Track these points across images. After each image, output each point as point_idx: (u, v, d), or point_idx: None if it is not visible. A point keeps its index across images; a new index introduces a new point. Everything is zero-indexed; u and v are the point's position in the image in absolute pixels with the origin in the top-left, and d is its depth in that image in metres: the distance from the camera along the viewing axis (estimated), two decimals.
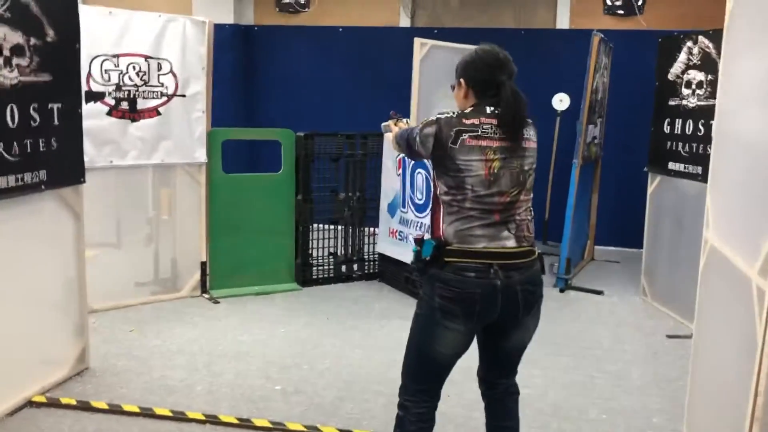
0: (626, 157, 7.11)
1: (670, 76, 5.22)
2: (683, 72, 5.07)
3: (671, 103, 5.21)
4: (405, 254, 5.54)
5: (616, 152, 7.24)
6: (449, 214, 2.38)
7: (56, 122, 3.44)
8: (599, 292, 5.77)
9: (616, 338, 4.69)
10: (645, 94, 7.03)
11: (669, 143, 5.23)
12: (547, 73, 7.54)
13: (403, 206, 5.54)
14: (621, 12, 7.49)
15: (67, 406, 3.38)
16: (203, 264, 5.36)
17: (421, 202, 5.30)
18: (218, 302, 5.20)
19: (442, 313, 2.38)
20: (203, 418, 3.29)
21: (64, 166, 3.54)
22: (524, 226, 2.40)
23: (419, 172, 5.30)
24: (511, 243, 2.36)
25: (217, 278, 5.41)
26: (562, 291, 5.78)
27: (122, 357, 4.06)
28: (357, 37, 8.10)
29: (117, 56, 4.71)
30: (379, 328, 4.74)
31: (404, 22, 8.15)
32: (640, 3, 7.37)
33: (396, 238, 5.66)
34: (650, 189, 5.59)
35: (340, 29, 8.16)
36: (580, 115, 5.79)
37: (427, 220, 5.23)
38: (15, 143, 3.18)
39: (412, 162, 5.39)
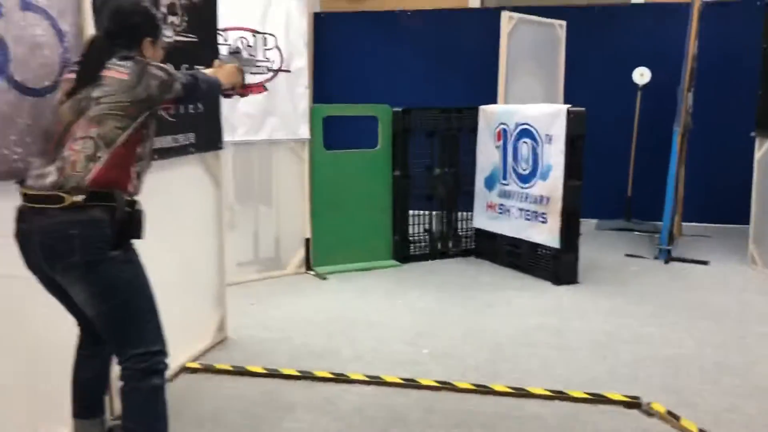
0: (708, 131, 6.94)
1: None
2: None
3: None
4: (506, 227, 5.47)
5: (699, 124, 7.09)
6: None
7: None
8: (705, 263, 5.63)
9: (745, 303, 4.56)
10: (727, 65, 6.95)
11: None
12: (624, 48, 7.42)
13: (504, 178, 5.45)
14: None
15: (224, 371, 3.33)
16: (307, 241, 5.30)
17: (526, 172, 5.20)
18: (326, 278, 5.14)
19: None
20: (367, 379, 3.22)
21: (208, 131, 3.50)
22: (72, 158, 2.08)
23: (524, 142, 5.21)
24: (48, 180, 2.08)
25: (319, 255, 5.36)
26: (666, 262, 5.64)
27: (255, 327, 4.02)
28: (426, 19, 8.04)
29: (226, 30, 4.67)
30: (496, 299, 4.65)
31: (473, 2, 8.07)
32: None
33: (496, 212, 5.56)
34: (758, 154, 5.44)
35: (409, 13, 8.11)
36: (680, 82, 5.66)
37: (532, 191, 5.14)
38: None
39: (516, 132, 5.30)
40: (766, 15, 5.32)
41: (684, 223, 7.07)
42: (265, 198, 5.29)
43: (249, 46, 4.81)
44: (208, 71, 2.64)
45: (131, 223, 2.15)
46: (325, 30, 8.14)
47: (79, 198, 2.05)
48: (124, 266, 2.14)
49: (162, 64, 2.27)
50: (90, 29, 2.61)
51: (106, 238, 2.08)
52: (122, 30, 2.24)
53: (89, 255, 2.06)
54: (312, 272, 5.26)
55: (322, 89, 7.98)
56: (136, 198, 2.21)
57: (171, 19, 3.13)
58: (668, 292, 4.80)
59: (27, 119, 2.38)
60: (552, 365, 3.47)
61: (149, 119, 2.23)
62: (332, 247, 5.40)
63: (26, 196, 2.12)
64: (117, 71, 2.15)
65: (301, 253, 5.31)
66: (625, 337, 3.88)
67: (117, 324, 2.17)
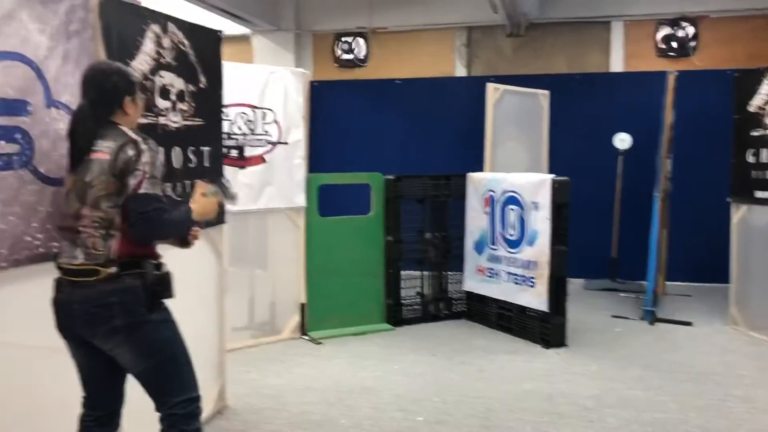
0: (685, 193, 7.20)
1: (751, 108, 5.38)
2: (766, 103, 5.23)
3: (754, 133, 5.35)
4: (495, 291, 5.63)
5: (677, 189, 7.35)
6: None
7: (206, 164, 3.60)
8: (689, 323, 5.80)
9: (727, 365, 4.71)
10: (702, 131, 7.26)
11: (755, 173, 5.35)
12: (605, 114, 7.76)
13: (493, 243, 5.65)
14: (673, 54, 7.73)
15: None
16: (302, 306, 5.44)
17: (514, 237, 5.40)
18: (320, 343, 5.25)
19: None
20: None
21: None
22: (90, 242, 2.30)
23: (511, 208, 5.43)
24: (79, 260, 2.30)
25: (314, 320, 5.49)
26: (651, 323, 5.81)
27: (253, 396, 4.12)
28: (415, 87, 8.37)
29: (227, 106, 4.90)
30: (489, 363, 4.78)
31: (460, 71, 8.42)
32: (693, 44, 7.62)
33: (485, 276, 5.74)
34: (735, 219, 5.68)
35: (398, 81, 8.44)
36: (658, 150, 5.94)
37: (520, 255, 5.33)
38: (178, 184, 3.33)
39: (503, 198, 5.52)
40: (735, 86, 5.64)
41: (668, 283, 7.28)
42: (260, 264, 5.45)
43: (249, 120, 5.05)
44: (193, 201, 2.51)
45: (162, 285, 2.38)
46: (319, 98, 8.43)
47: (113, 269, 2.28)
48: (162, 325, 2.39)
49: (141, 150, 2.31)
50: None
51: (142, 302, 2.32)
52: (103, 93, 2.38)
53: (129, 318, 2.29)
54: (307, 337, 5.38)
55: (316, 154, 8.24)
56: (161, 261, 2.43)
57: (179, 105, 3.35)
58: (653, 354, 4.95)
59: (48, 207, 2.55)
60: None
61: None
62: (327, 312, 5.53)
63: (63, 270, 2.34)
64: (102, 152, 2.31)
65: (296, 318, 5.44)
66: (612, 401, 4.01)
67: (161, 377, 2.40)
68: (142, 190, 2.29)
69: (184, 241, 2.60)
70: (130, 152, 2.29)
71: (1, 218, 2.37)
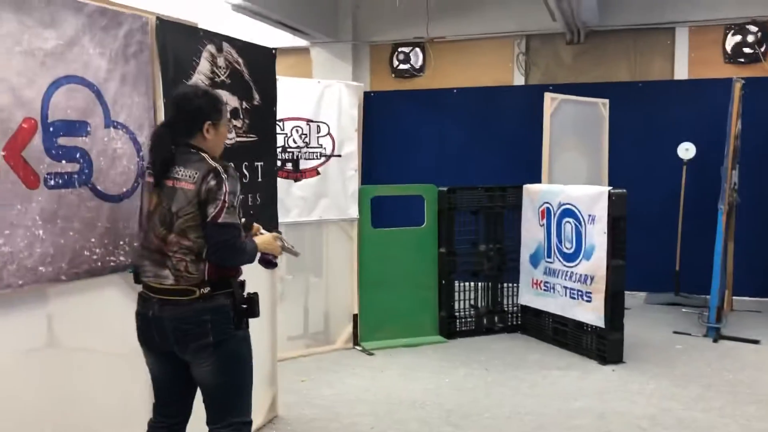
0: (753, 205, 6.92)
1: None
2: None
3: None
4: (551, 305, 5.54)
5: (745, 200, 7.08)
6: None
7: (260, 179, 3.69)
8: (756, 341, 5.57)
9: None
10: None
11: None
12: (669, 123, 7.54)
13: (549, 256, 5.56)
14: (742, 60, 7.45)
15: None
16: (355, 317, 5.48)
17: (570, 251, 5.31)
18: (372, 354, 5.29)
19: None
20: None
21: (264, 220, 3.75)
22: (182, 266, 2.39)
23: (568, 221, 5.34)
24: (169, 282, 2.41)
25: (367, 331, 5.52)
26: (715, 341, 5.60)
27: (305, 406, 4.18)
28: (472, 97, 8.33)
29: (282, 120, 5.01)
30: (542, 378, 4.70)
31: (518, 80, 8.34)
32: (763, 49, 7.33)
33: (541, 289, 5.66)
34: None
35: (455, 90, 8.42)
36: (724, 160, 5.74)
37: (576, 269, 5.24)
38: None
39: (559, 211, 5.44)
40: None
41: (735, 298, 7.00)
42: (315, 275, 5.52)
43: (304, 134, 5.14)
44: (256, 238, 2.68)
45: (250, 305, 2.49)
46: (376, 108, 8.50)
47: (206, 290, 2.40)
48: (243, 343, 2.51)
49: (222, 179, 2.38)
50: None
51: (231, 320, 2.44)
52: (184, 115, 2.47)
53: (219, 336, 2.41)
54: (359, 347, 5.42)
55: (373, 164, 8.31)
56: (243, 279, 2.52)
57: (234, 122, 3.44)
58: (715, 373, 4.78)
59: (105, 223, 2.68)
60: None
61: None
62: (379, 323, 5.56)
63: (152, 288, 2.44)
64: (186, 182, 2.40)
65: (349, 329, 5.49)
66: (668, 422, 3.89)
67: (229, 393, 2.48)
68: (221, 219, 2.36)
69: (269, 264, 2.76)
70: (212, 182, 2.37)
71: (61, 233, 2.49)
